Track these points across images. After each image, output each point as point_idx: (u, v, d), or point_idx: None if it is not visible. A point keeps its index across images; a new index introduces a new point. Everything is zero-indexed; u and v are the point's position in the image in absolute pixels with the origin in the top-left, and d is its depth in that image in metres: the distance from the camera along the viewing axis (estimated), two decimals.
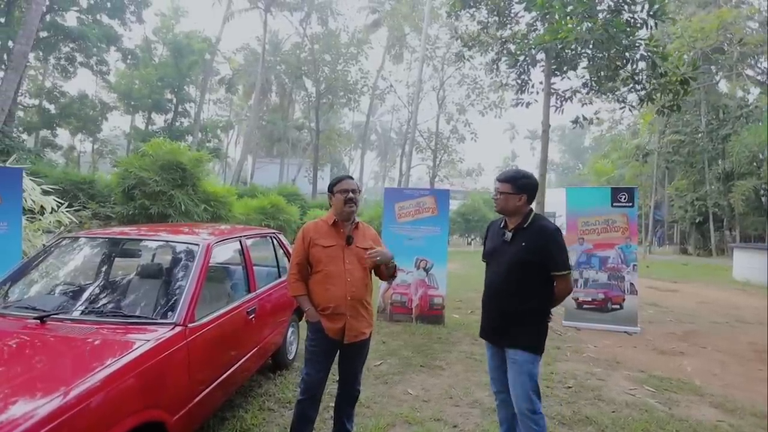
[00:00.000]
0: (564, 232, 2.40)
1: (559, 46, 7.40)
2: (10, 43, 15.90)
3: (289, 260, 3.45)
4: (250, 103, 31.45)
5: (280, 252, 4.14)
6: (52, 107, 23.84)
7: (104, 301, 2.71)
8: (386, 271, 2.60)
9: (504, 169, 21.29)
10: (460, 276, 10.05)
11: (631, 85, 8.14)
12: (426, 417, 3.13)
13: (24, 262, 2.91)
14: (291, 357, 4.05)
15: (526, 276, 2.26)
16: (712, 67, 22.07)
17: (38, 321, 2.14)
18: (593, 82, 8.47)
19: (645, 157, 23.00)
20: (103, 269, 3.18)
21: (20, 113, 21.21)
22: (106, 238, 3.17)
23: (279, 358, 3.80)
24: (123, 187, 10.10)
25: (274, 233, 4.29)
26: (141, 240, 3.18)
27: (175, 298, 2.38)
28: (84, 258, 3.09)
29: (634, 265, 6.04)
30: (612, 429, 3.04)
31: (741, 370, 4.47)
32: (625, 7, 7.34)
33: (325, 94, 27.38)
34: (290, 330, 4.00)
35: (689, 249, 24.11)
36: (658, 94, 8.00)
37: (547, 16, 7.66)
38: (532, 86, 9.15)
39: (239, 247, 3.34)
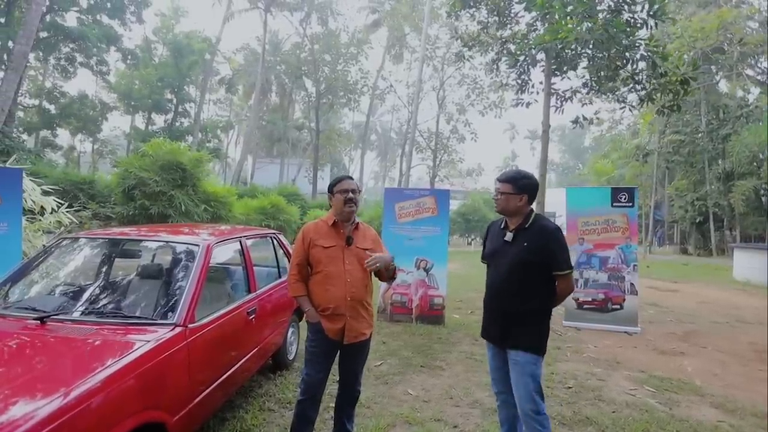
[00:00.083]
0: (564, 233, 2.39)
1: (559, 46, 7.40)
2: (10, 44, 15.91)
3: (289, 261, 3.46)
4: (250, 103, 31.45)
5: (280, 252, 4.14)
6: (52, 107, 23.86)
7: (104, 301, 2.71)
8: (386, 273, 2.60)
9: (504, 169, 21.49)
10: (461, 276, 10.05)
11: (631, 85, 8.14)
12: (426, 417, 3.13)
13: (24, 262, 2.91)
14: (291, 357, 4.05)
15: (528, 276, 2.26)
16: (712, 67, 22.08)
17: (38, 322, 2.14)
18: (593, 82, 8.47)
19: (645, 157, 23.01)
20: (103, 270, 3.18)
21: (20, 113, 21.22)
22: (106, 238, 3.16)
23: (279, 358, 3.81)
24: (123, 187, 10.10)
25: (274, 233, 4.28)
26: (141, 240, 3.18)
27: (175, 298, 2.38)
28: (84, 258, 3.09)
29: (635, 265, 6.04)
30: (612, 429, 3.04)
31: (741, 370, 4.47)
32: (625, 7, 7.33)
33: (325, 94, 27.38)
34: (290, 330, 4.00)
35: (689, 249, 24.12)
36: (658, 94, 7.99)
37: (547, 16, 7.66)
38: (532, 86, 9.15)
39: (239, 247, 3.33)
